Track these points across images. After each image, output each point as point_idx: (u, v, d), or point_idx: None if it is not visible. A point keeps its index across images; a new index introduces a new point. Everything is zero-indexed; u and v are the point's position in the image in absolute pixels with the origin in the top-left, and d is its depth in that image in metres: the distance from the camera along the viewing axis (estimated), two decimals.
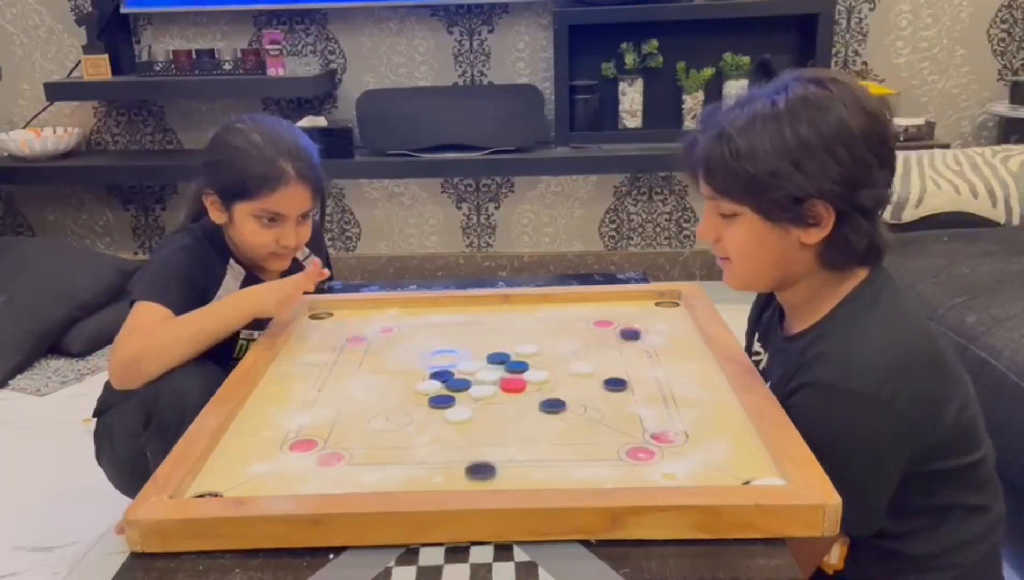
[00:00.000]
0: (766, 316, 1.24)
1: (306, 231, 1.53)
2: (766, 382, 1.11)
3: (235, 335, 1.46)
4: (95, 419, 1.63)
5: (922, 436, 1.00)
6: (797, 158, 0.97)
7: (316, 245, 1.72)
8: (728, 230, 1.06)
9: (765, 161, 0.98)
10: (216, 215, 1.51)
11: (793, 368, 1.06)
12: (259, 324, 1.48)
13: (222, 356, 1.45)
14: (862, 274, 1.06)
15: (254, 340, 1.49)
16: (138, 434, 1.39)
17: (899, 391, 0.97)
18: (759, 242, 1.04)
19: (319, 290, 1.69)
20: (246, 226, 1.48)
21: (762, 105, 1.00)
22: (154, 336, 1.35)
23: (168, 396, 1.32)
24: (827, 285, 1.06)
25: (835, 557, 1.06)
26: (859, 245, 1.02)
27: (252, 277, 1.56)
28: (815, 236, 1.02)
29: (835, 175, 0.97)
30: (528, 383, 1.14)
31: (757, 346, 1.22)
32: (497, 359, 1.22)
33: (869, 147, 0.98)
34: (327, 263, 1.78)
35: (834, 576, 1.07)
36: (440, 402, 1.09)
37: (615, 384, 1.12)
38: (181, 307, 1.39)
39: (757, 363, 1.21)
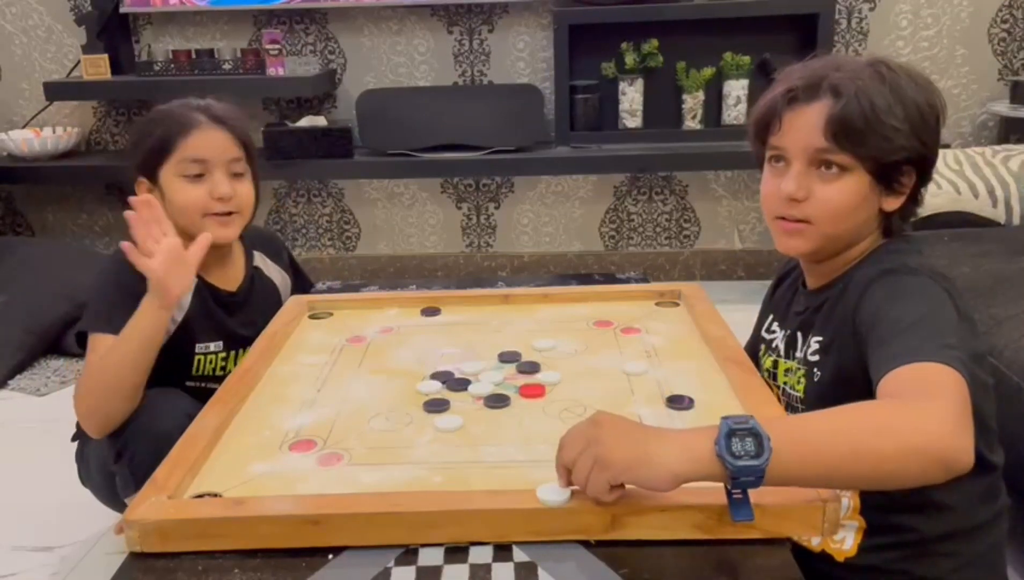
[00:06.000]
0: (779, 292, 1.24)
1: (245, 189, 1.44)
2: (791, 354, 1.14)
3: (191, 352, 1.43)
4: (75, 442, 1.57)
5: (970, 341, 1.00)
6: (915, 122, 1.02)
7: (296, 272, 1.68)
8: (824, 189, 1.05)
9: (897, 119, 1.01)
10: None
11: (835, 297, 1.08)
12: (214, 337, 1.45)
13: (180, 373, 1.42)
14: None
15: (211, 353, 1.46)
16: (109, 464, 1.37)
17: (951, 287, 1.01)
18: (859, 203, 1.05)
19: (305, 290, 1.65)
20: (175, 189, 1.40)
21: (872, 70, 1.03)
22: (92, 388, 1.31)
23: (143, 438, 1.29)
24: (867, 251, 1.10)
25: (849, 544, 1.06)
26: (916, 215, 1.09)
27: (204, 282, 1.45)
28: (895, 203, 1.07)
29: (933, 144, 1.05)
30: (546, 387, 1.14)
31: (774, 326, 1.21)
32: (508, 358, 1.22)
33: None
34: (304, 279, 1.72)
35: (844, 563, 1.07)
36: (434, 406, 1.09)
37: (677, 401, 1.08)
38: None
39: (771, 342, 1.20)
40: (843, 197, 1.04)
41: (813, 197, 1.05)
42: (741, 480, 0.77)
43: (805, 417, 0.85)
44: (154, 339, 1.30)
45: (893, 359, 0.89)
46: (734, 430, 0.77)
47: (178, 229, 1.38)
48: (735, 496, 0.79)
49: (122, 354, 1.29)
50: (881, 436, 0.79)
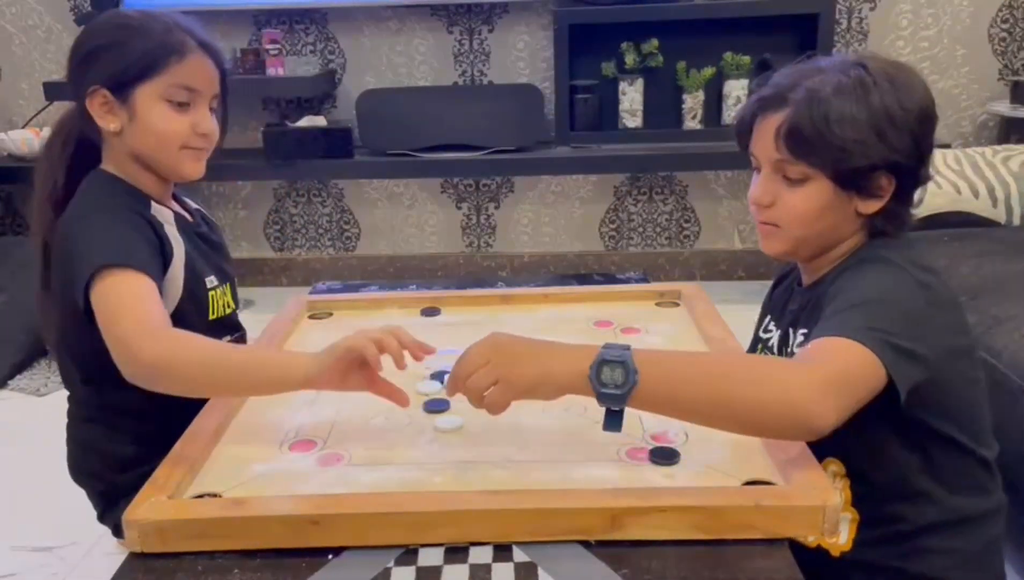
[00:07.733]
0: (777, 293, 1.25)
1: (216, 127, 1.33)
2: (783, 351, 1.15)
3: (204, 289, 1.32)
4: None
5: (946, 334, 1.01)
6: (882, 128, 1.01)
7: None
8: (789, 196, 1.07)
9: (855, 128, 1.01)
10: (108, 119, 1.25)
11: (824, 290, 1.08)
12: (208, 270, 1.34)
13: (202, 316, 1.31)
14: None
15: (215, 287, 1.35)
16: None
17: (932, 280, 1.02)
18: (823, 209, 1.06)
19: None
20: (154, 114, 1.25)
21: (844, 75, 1.03)
22: (193, 352, 1.06)
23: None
24: (856, 248, 1.10)
25: (843, 537, 1.06)
26: (908, 217, 1.08)
27: (180, 218, 1.33)
28: (873, 207, 1.06)
29: (910, 149, 1.03)
30: None
31: (771, 326, 1.22)
32: None
33: (932, 127, 1.06)
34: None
35: (840, 558, 1.07)
36: (434, 406, 1.09)
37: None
38: (156, 271, 1.18)
39: (767, 342, 1.20)
40: (806, 204, 1.06)
41: (779, 202, 1.08)
42: (606, 403, 0.88)
43: (683, 355, 0.94)
44: (269, 389, 1.10)
45: (818, 333, 0.94)
46: (606, 360, 0.87)
47: (144, 157, 1.29)
48: (608, 411, 0.89)
49: (247, 370, 1.07)
50: (746, 387, 0.87)
